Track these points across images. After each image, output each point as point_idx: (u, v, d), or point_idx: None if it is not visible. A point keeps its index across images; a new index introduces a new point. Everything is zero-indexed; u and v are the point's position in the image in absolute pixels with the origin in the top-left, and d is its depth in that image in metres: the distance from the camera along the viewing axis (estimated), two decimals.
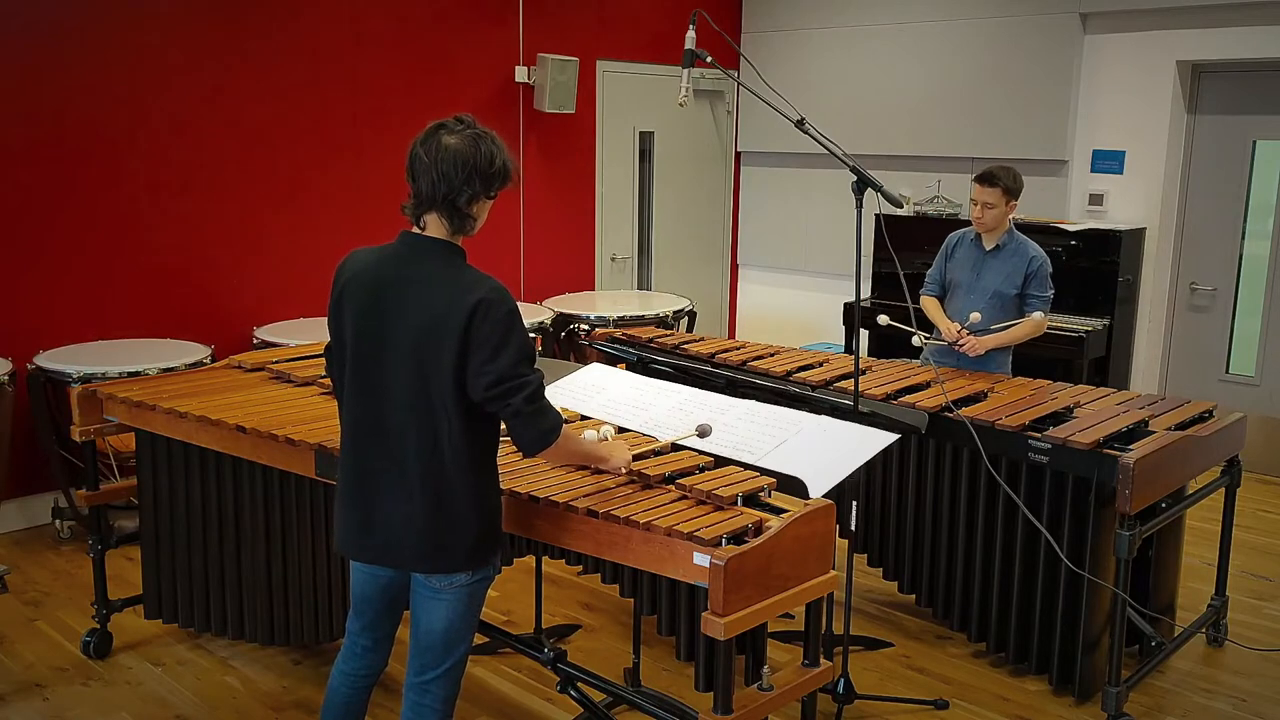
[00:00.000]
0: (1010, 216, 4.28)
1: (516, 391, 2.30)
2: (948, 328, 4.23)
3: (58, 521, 4.91)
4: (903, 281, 3.98)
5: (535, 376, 2.33)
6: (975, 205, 4.24)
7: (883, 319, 4.15)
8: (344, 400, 2.49)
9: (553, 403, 2.41)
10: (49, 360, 4.67)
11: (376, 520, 2.43)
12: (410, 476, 2.37)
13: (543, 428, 2.36)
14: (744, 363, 4.26)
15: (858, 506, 3.36)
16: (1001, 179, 4.17)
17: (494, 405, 2.32)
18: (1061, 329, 5.80)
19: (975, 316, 4.16)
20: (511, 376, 2.29)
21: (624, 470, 2.72)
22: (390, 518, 2.41)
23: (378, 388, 2.39)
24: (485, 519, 2.43)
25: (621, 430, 3.06)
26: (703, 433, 2.88)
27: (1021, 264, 4.23)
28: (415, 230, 2.40)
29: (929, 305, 4.44)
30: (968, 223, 4.42)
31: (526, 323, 5.50)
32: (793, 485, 2.72)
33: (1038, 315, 4.19)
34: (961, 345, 4.17)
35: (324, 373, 3.69)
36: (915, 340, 4.03)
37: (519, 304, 6.32)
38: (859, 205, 3.17)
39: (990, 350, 4.20)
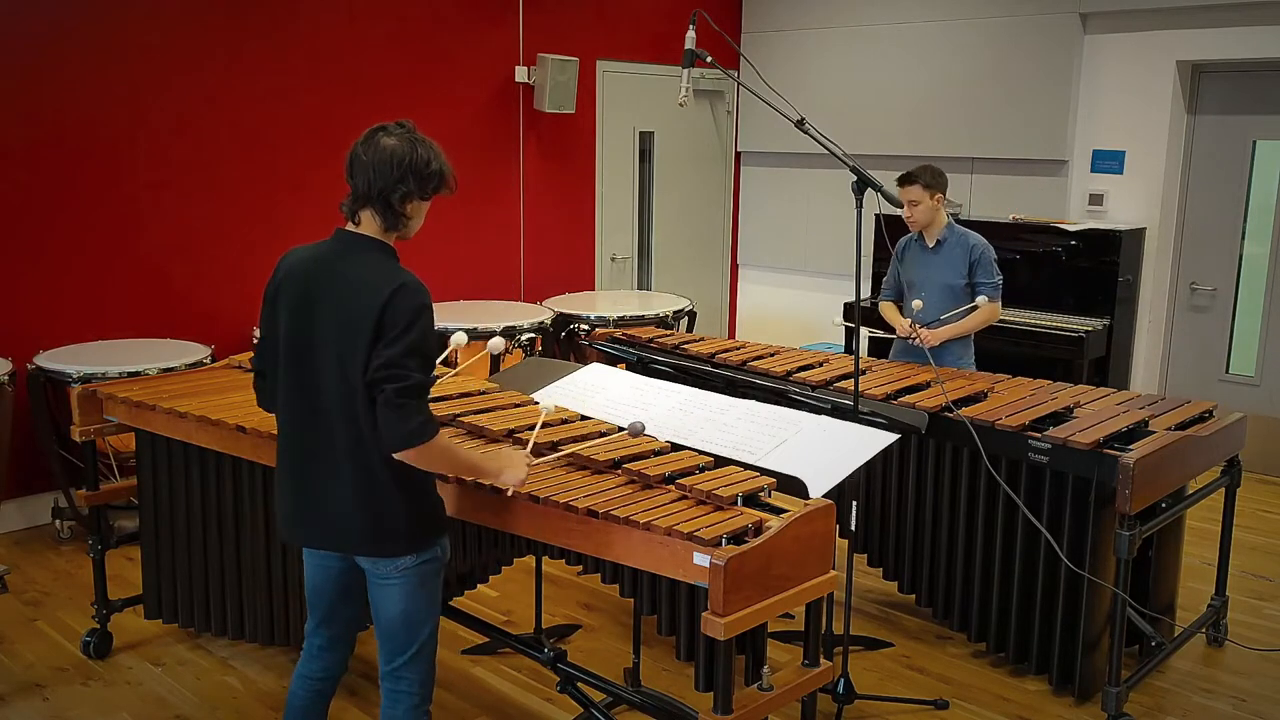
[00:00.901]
0: (943, 210, 4.38)
1: (392, 381, 2.31)
2: (901, 324, 4.31)
3: (58, 521, 4.91)
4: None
5: (418, 376, 2.33)
6: (904, 208, 4.31)
7: (836, 320, 4.25)
8: (278, 394, 2.53)
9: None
10: (49, 360, 4.66)
11: (315, 508, 2.49)
12: (343, 466, 2.43)
13: (406, 427, 2.32)
14: (744, 363, 4.26)
15: (858, 506, 3.37)
16: (919, 176, 4.28)
17: (373, 390, 2.34)
18: (1061, 329, 5.80)
19: (917, 304, 4.24)
20: (395, 364, 2.31)
21: (513, 490, 2.61)
22: (327, 506, 2.47)
23: (310, 381, 2.44)
24: (416, 505, 2.47)
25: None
26: (634, 432, 2.83)
27: (964, 254, 4.32)
28: (349, 227, 2.47)
29: (886, 310, 4.53)
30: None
31: (526, 323, 5.61)
32: (793, 485, 2.72)
33: (983, 299, 4.28)
34: (916, 339, 4.22)
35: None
36: (862, 334, 4.18)
37: (518, 304, 6.36)
38: (859, 205, 3.17)
39: (947, 341, 4.28)
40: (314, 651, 2.71)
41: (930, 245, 4.38)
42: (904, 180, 4.31)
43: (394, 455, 2.37)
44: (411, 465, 2.40)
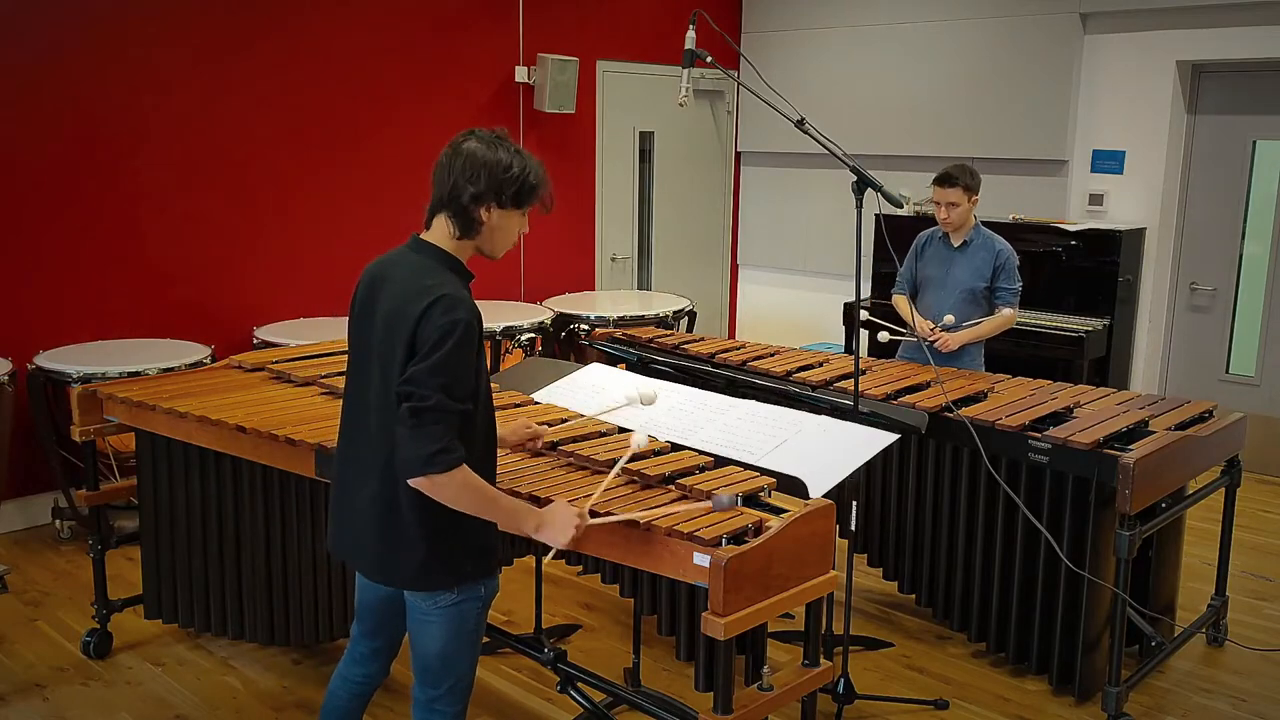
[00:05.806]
0: (974, 213, 4.37)
1: (409, 399, 2.15)
2: (921, 325, 4.30)
3: (58, 521, 4.91)
4: None
5: (437, 397, 2.13)
6: (939, 207, 4.31)
7: (864, 314, 4.26)
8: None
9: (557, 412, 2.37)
10: (49, 360, 4.66)
11: (348, 519, 2.43)
12: (374, 481, 2.31)
13: (416, 452, 2.14)
14: (744, 363, 4.26)
15: (858, 506, 3.37)
16: (960, 178, 4.26)
17: (397, 408, 2.19)
18: (1061, 329, 5.80)
19: (949, 319, 4.25)
20: (417, 383, 2.15)
21: (558, 547, 2.37)
22: (355, 519, 2.39)
23: (359, 390, 2.38)
24: (436, 539, 2.29)
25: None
26: (645, 400, 2.81)
27: (989, 258, 4.32)
28: (422, 233, 2.37)
29: (900, 304, 4.52)
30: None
31: (526, 323, 5.60)
32: (793, 485, 2.72)
33: (1008, 310, 4.30)
34: (935, 342, 4.23)
35: (323, 373, 3.71)
36: (882, 336, 4.18)
37: (519, 304, 6.36)
38: (859, 205, 3.17)
39: (963, 345, 4.29)
40: (356, 657, 2.65)
41: (955, 245, 4.37)
42: (945, 181, 4.27)
43: (408, 483, 2.20)
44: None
